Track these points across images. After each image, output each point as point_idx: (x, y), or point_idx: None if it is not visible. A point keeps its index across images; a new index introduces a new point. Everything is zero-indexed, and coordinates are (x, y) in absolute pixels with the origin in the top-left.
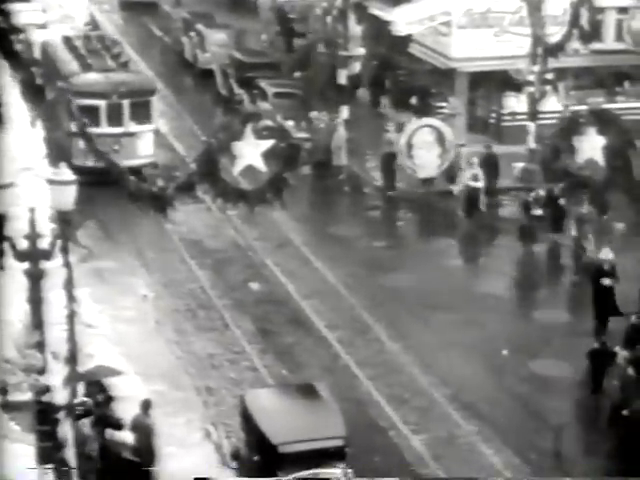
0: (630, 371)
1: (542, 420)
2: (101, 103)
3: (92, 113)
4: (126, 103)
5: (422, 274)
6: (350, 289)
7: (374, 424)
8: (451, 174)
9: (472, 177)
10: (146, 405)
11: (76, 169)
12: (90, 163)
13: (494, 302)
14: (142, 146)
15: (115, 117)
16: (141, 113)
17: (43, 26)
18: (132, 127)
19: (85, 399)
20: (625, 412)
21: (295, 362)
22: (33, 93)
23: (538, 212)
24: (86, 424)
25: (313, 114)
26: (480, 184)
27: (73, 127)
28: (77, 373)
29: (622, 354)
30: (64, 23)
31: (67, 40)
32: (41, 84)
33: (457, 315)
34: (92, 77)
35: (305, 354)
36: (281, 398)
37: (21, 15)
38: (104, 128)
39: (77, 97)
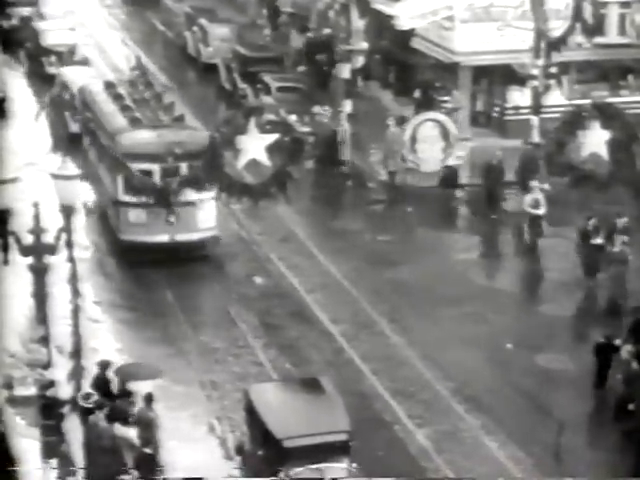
0: (635, 365)
1: (547, 414)
2: (154, 167)
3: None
4: (183, 167)
5: (426, 268)
6: (354, 283)
7: (378, 418)
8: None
9: (533, 203)
10: (149, 399)
11: (125, 246)
12: (142, 238)
13: (500, 296)
14: (202, 217)
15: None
16: (201, 178)
17: (83, 62)
18: (191, 195)
19: (91, 391)
20: (631, 406)
21: (299, 356)
22: (68, 144)
23: (598, 241)
24: (100, 417)
25: (315, 108)
26: (541, 211)
27: (122, 195)
28: (118, 369)
29: (626, 348)
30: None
31: (109, 86)
32: (77, 133)
33: (462, 309)
34: (142, 136)
35: (309, 348)
36: (285, 392)
37: (49, 35)
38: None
39: (126, 160)
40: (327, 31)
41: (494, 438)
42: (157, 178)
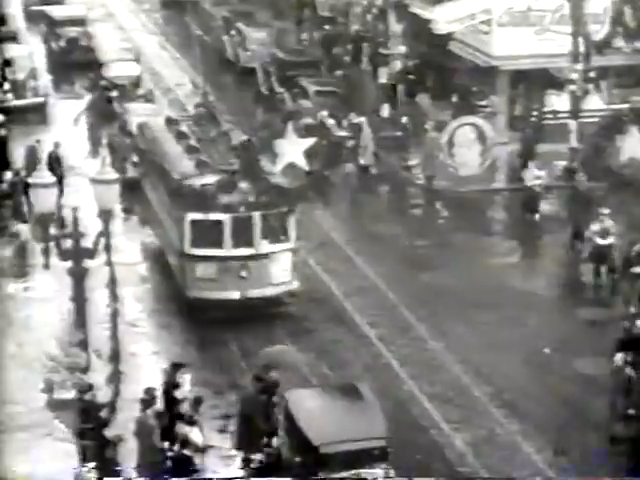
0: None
1: (584, 418)
2: (224, 217)
3: (212, 230)
4: (257, 216)
5: (464, 272)
6: (392, 287)
7: (416, 423)
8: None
9: (600, 233)
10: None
11: (192, 304)
12: (212, 295)
13: (537, 300)
14: (277, 271)
15: (242, 235)
16: (275, 229)
17: (148, 96)
18: (264, 247)
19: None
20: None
21: (337, 360)
22: (126, 191)
23: (638, 270)
24: (150, 415)
25: (322, 114)
26: (610, 240)
27: (190, 247)
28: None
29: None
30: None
31: (171, 123)
32: (136, 178)
33: (500, 313)
34: (211, 181)
35: (347, 352)
36: (323, 398)
37: (112, 66)
38: (228, 249)
39: (193, 208)
40: (355, 27)
41: (532, 443)
42: (227, 229)
